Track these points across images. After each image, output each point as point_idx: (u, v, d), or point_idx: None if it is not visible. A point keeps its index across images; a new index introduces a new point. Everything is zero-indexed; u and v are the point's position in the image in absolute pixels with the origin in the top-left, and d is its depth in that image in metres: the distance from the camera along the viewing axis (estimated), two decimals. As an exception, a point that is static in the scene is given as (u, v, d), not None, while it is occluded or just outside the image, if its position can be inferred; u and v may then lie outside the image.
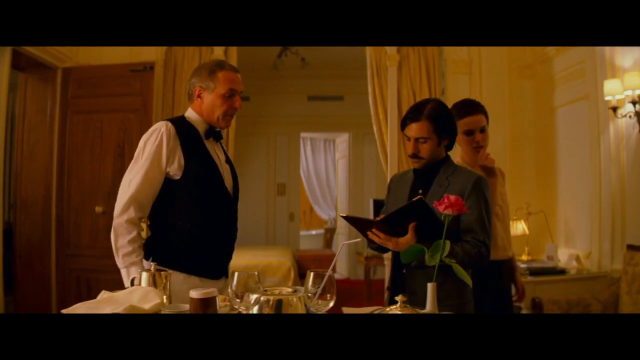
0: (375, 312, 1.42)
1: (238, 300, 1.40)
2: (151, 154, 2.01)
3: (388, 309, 1.38)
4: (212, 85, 2.11)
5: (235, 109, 2.15)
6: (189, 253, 2.07)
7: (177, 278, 1.97)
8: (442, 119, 2.09)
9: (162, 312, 1.49)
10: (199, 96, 2.14)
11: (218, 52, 4.64)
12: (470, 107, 2.46)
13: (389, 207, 2.28)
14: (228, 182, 2.16)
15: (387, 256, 4.50)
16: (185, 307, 1.45)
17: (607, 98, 3.67)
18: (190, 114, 2.17)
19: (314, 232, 10.76)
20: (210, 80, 2.11)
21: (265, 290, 1.55)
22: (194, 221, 2.06)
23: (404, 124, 2.14)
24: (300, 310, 1.51)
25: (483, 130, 2.46)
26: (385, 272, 5.14)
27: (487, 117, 2.48)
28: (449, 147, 2.18)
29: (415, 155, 2.11)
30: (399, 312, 1.33)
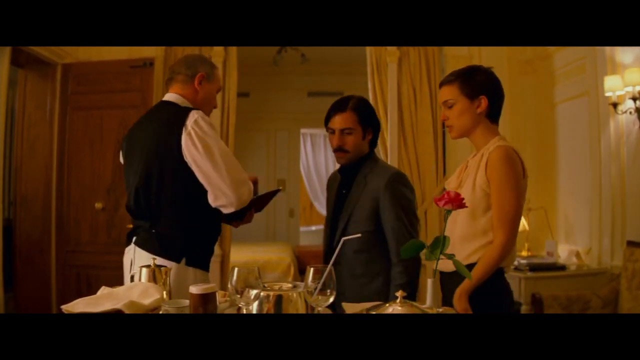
0: (375, 308, 1.42)
1: (238, 295, 1.39)
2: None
3: (388, 304, 1.38)
4: (212, 77, 2.11)
5: None
6: (205, 247, 2.05)
7: (190, 274, 1.96)
8: (366, 111, 2.16)
9: (162, 308, 1.49)
10: (200, 82, 2.08)
11: (218, 49, 4.63)
12: (442, 80, 2.05)
13: (327, 208, 2.33)
14: None
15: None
16: (185, 303, 1.45)
17: (607, 94, 3.67)
18: (185, 103, 2.06)
19: (314, 227, 10.75)
20: (212, 72, 2.11)
21: (265, 286, 1.56)
22: (213, 216, 2.02)
23: (328, 117, 2.15)
24: (300, 305, 1.51)
25: (448, 106, 1.99)
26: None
27: (461, 89, 1.95)
28: (373, 143, 2.21)
29: (340, 148, 2.12)
30: (399, 308, 1.33)
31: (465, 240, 1.92)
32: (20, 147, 4.49)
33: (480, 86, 1.94)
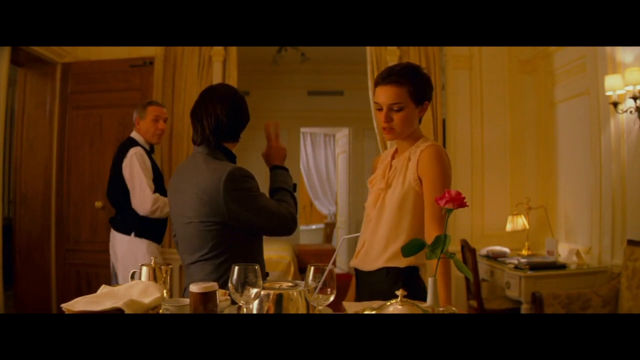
0: (376, 307, 1.42)
1: (238, 294, 1.39)
2: None
3: (389, 303, 1.38)
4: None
5: None
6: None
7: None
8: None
9: (163, 307, 1.49)
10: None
11: (218, 48, 4.63)
12: (384, 74, 1.91)
13: None
14: None
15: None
16: (185, 302, 1.45)
17: (607, 93, 3.67)
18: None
19: (314, 226, 10.77)
20: None
21: (266, 285, 1.56)
22: None
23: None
24: (301, 304, 1.52)
25: (394, 109, 1.88)
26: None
27: (411, 93, 1.88)
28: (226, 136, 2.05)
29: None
30: (400, 307, 1.33)
31: (390, 240, 1.91)
32: (20, 146, 4.49)
33: (428, 91, 1.94)
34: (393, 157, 2.02)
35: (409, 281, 1.90)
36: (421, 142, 1.94)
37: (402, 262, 1.89)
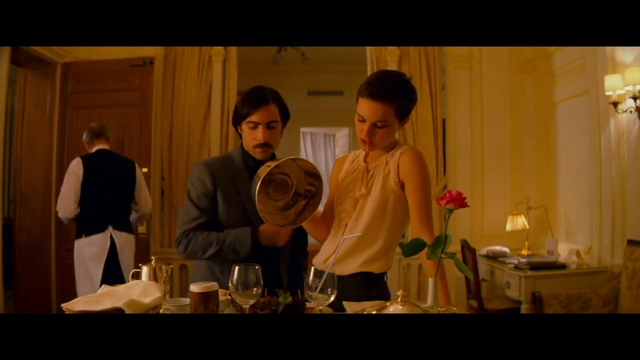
0: (377, 308, 1.42)
1: (238, 294, 1.40)
2: None
3: (388, 303, 1.38)
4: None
5: None
6: None
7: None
8: (284, 103, 2.06)
9: (163, 306, 1.49)
10: None
11: (218, 48, 4.63)
12: (374, 88, 1.79)
13: (241, 205, 2.04)
14: None
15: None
16: (186, 301, 1.45)
17: (607, 93, 3.67)
18: None
19: (314, 227, 10.73)
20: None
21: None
22: None
23: (247, 113, 2.02)
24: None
25: (379, 126, 1.81)
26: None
27: (397, 111, 1.81)
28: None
29: (267, 143, 2.00)
30: (400, 307, 1.33)
31: (367, 245, 1.87)
32: (20, 146, 4.49)
33: (413, 106, 1.87)
34: (366, 161, 1.96)
35: (380, 287, 1.89)
36: (397, 146, 1.91)
37: (377, 268, 1.87)
